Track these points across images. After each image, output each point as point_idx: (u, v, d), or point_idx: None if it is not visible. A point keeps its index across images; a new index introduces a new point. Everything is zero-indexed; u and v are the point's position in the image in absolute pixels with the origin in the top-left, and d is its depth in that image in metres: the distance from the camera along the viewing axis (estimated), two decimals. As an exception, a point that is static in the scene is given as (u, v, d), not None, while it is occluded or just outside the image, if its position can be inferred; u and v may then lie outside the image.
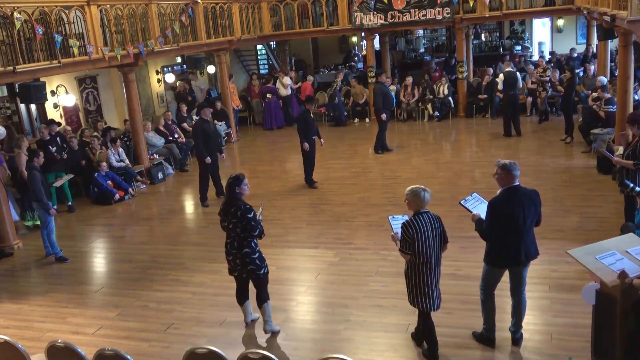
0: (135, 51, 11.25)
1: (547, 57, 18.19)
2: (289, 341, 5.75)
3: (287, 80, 16.88)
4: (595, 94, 12.12)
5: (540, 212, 5.07)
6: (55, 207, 8.49)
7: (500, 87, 13.30)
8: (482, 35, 21.69)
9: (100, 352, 4.21)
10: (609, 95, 11.26)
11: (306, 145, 10.45)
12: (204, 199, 10.35)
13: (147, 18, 11.83)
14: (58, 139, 11.30)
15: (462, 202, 5.33)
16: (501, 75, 13.35)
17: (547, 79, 14.35)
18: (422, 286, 4.92)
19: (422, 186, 4.97)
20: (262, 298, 5.77)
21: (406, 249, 4.86)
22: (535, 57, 19.59)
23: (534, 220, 5.04)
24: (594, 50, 16.44)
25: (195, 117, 14.87)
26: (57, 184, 9.92)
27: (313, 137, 10.61)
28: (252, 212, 5.50)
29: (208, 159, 10.04)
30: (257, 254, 5.62)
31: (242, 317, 6.21)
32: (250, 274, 5.64)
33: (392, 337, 5.55)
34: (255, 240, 5.62)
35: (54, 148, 10.62)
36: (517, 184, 4.94)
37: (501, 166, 4.91)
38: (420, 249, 4.82)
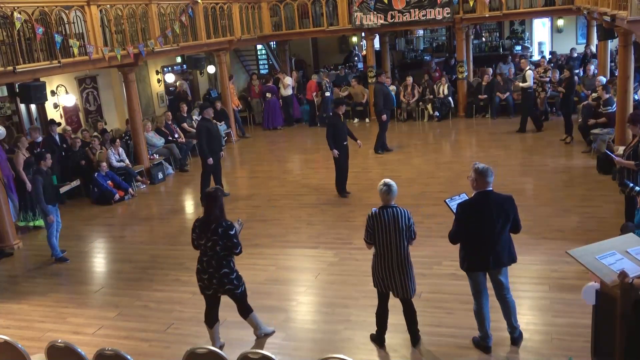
0: (135, 51, 11.25)
1: (548, 57, 18.18)
2: (289, 341, 5.75)
3: (288, 80, 16.88)
4: (595, 95, 12.13)
5: (516, 219, 5.01)
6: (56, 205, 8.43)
7: (530, 84, 13.30)
8: (482, 35, 21.70)
9: (100, 352, 4.21)
10: (608, 96, 11.25)
11: (335, 152, 9.76)
12: None
13: (147, 18, 11.83)
14: (57, 138, 11.30)
15: (447, 200, 5.36)
16: (530, 72, 13.40)
17: (547, 79, 14.35)
18: (383, 274, 5.20)
19: (390, 182, 5.16)
20: (246, 311, 5.60)
21: (368, 239, 5.20)
22: (536, 57, 19.61)
23: (505, 227, 4.98)
24: (593, 51, 16.40)
25: (194, 117, 14.96)
26: (63, 189, 9.91)
27: (344, 143, 9.85)
28: (234, 229, 5.28)
29: (210, 160, 10.05)
30: (235, 274, 5.39)
31: (242, 317, 6.21)
32: (227, 293, 5.43)
33: (392, 337, 5.54)
34: (233, 259, 5.40)
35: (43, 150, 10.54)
36: (490, 189, 4.94)
37: (475, 170, 4.93)
38: (380, 241, 5.09)
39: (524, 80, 13.34)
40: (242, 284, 5.48)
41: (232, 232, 5.25)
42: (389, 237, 5.07)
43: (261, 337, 5.77)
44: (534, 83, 14.73)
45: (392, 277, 5.17)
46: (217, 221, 5.25)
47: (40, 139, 10.68)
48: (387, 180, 5.18)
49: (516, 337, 5.29)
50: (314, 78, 17.60)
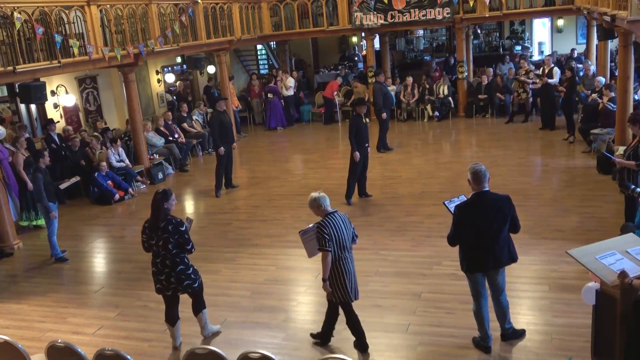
0: (135, 51, 11.25)
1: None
2: (289, 341, 5.75)
3: (290, 81, 16.87)
4: (595, 95, 12.12)
5: (514, 219, 5.00)
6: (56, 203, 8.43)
7: (556, 80, 13.37)
8: (481, 35, 21.69)
9: (100, 352, 4.21)
10: (613, 94, 11.23)
11: (357, 154, 9.35)
12: (219, 187, 10.81)
13: (147, 18, 11.82)
14: (56, 137, 11.28)
15: (445, 202, 5.36)
16: (556, 69, 13.54)
17: (530, 81, 14.38)
18: (342, 280, 5.13)
19: (322, 193, 5.18)
20: (199, 308, 5.69)
21: (326, 246, 5.00)
22: (536, 57, 19.60)
23: (503, 227, 4.97)
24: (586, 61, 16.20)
25: (194, 117, 14.98)
26: (63, 186, 9.91)
27: (366, 145, 9.57)
28: (184, 226, 5.41)
29: (222, 150, 10.47)
30: (191, 268, 5.50)
31: (242, 318, 6.22)
32: (186, 289, 5.51)
33: (392, 337, 5.54)
34: (187, 256, 5.49)
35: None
36: (486, 189, 4.94)
37: (469, 171, 4.94)
38: (338, 245, 5.07)
39: (551, 77, 13.34)
40: (198, 277, 5.60)
41: (183, 229, 5.37)
42: (344, 240, 5.10)
43: (208, 337, 5.80)
44: (534, 83, 14.76)
45: (354, 280, 5.25)
46: (166, 219, 5.37)
47: (26, 135, 10.64)
48: (321, 193, 5.21)
49: (509, 334, 5.29)
50: (337, 79, 17.52)
